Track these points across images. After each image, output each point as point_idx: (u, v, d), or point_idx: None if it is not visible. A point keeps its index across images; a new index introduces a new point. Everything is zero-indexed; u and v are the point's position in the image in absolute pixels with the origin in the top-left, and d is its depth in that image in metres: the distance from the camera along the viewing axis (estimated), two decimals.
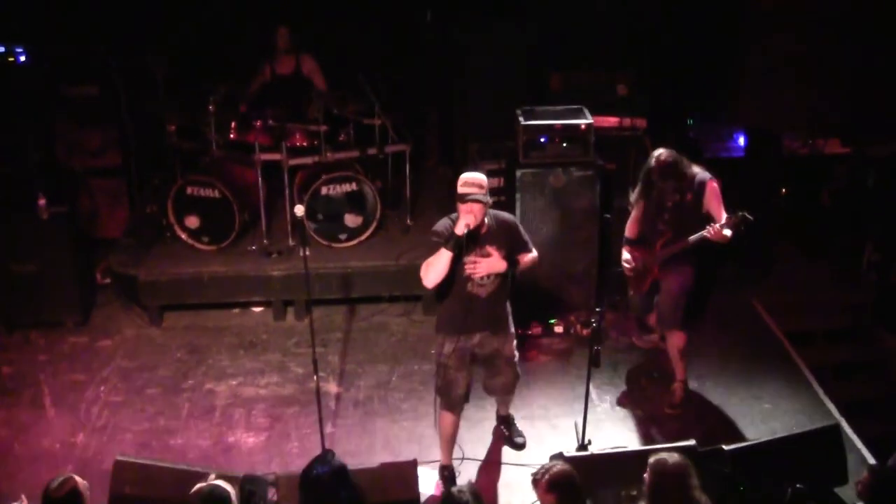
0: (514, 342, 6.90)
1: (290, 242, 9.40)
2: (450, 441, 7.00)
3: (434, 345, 6.88)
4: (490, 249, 6.52)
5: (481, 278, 6.52)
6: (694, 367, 8.25)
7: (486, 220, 6.49)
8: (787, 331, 9.21)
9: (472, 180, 6.42)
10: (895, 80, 9.71)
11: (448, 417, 6.91)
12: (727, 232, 7.10)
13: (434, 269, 6.43)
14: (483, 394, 7.27)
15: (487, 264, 6.48)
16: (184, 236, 9.39)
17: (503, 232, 6.61)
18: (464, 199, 6.36)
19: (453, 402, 6.84)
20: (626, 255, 7.87)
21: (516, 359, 6.91)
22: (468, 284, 6.57)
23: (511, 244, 6.61)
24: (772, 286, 9.95)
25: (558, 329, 9.06)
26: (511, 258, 6.59)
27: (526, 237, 6.76)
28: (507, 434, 7.48)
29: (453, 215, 6.48)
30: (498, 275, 6.57)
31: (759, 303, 9.59)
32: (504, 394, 7.18)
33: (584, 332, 8.79)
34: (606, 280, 8.94)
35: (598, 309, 7.06)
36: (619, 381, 8.34)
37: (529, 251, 6.73)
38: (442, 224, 6.55)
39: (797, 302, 9.83)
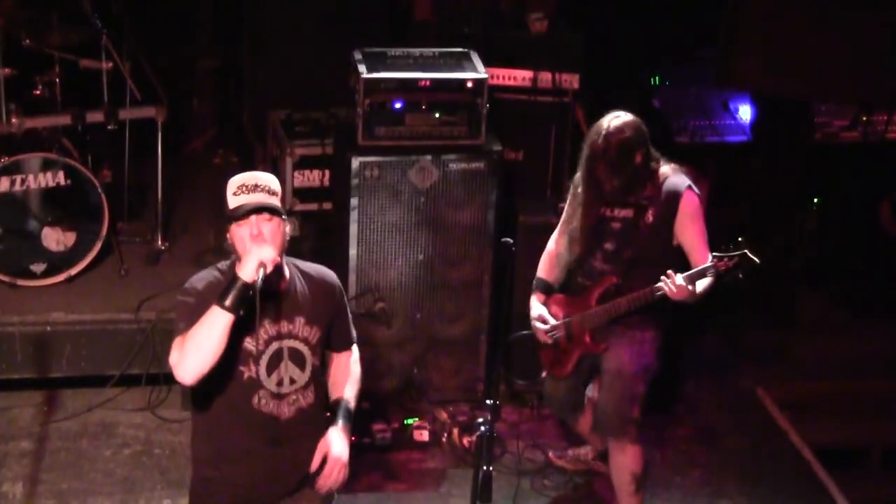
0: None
1: None
2: None
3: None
4: (295, 324, 5.21)
5: (280, 382, 5.25)
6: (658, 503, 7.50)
7: (284, 267, 5.15)
8: (816, 443, 8.13)
9: (252, 181, 5.11)
10: None
11: None
12: (705, 284, 6.24)
13: (200, 348, 4.93)
14: None
15: (338, 474, 5.24)
16: None
17: (318, 294, 5.29)
18: (238, 213, 5.01)
19: None
20: (538, 309, 6.82)
21: None
22: (255, 397, 5.17)
23: (330, 320, 5.35)
24: (792, 367, 8.95)
25: (421, 435, 7.87)
26: (324, 345, 5.41)
27: (350, 319, 5.57)
28: None
29: (222, 264, 5.13)
30: (311, 375, 5.30)
31: (769, 394, 8.63)
32: None
33: (466, 440, 7.74)
34: (504, 351, 7.49)
35: (488, 401, 5.77)
36: None
37: (350, 346, 5.52)
38: (200, 278, 5.17)
39: (836, 395, 8.76)
